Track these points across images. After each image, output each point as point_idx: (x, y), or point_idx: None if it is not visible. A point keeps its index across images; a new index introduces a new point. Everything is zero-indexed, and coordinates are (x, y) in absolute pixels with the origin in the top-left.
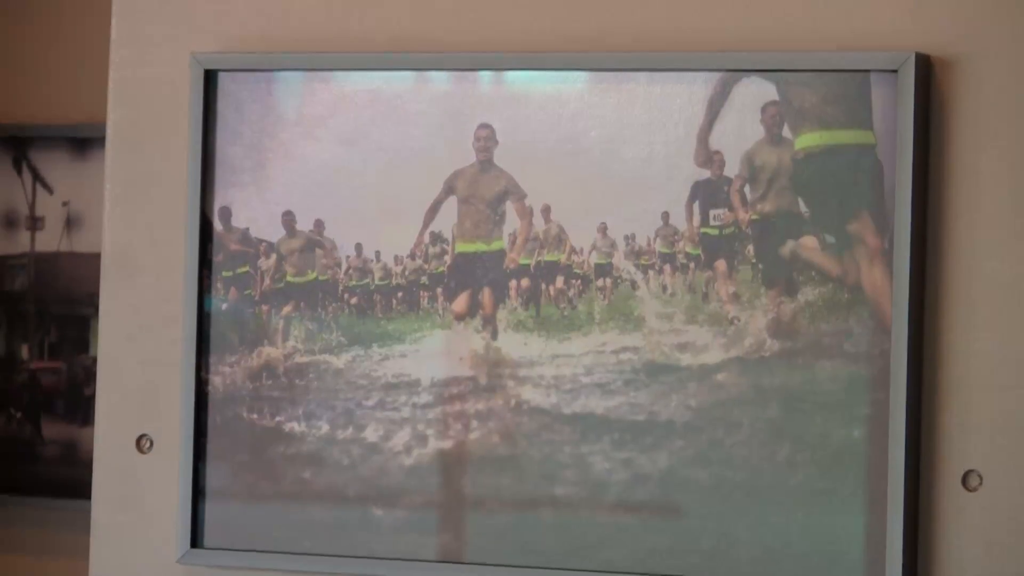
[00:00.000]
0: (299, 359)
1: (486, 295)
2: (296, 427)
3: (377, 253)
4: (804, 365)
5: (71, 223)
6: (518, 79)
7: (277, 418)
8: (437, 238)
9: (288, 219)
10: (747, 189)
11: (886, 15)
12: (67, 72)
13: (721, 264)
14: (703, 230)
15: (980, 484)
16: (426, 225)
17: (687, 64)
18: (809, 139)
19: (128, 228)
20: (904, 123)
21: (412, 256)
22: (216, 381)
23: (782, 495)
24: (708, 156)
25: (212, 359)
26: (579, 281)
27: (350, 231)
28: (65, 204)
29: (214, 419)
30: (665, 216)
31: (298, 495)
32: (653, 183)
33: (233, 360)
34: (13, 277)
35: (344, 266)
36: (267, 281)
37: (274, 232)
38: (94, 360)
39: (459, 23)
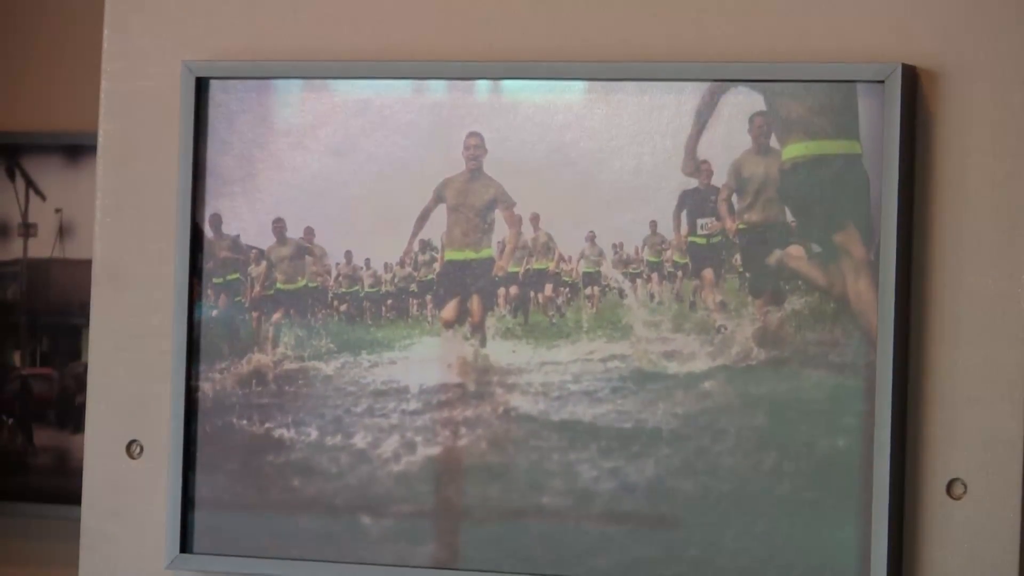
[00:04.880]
0: (289, 366)
1: (475, 303)
2: (285, 434)
3: (367, 260)
4: (790, 374)
5: (64, 230)
6: (508, 89)
7: (267, 425)
8: (427, 246)
9: (279, 226)
10: (734, 199)
11: (873, 27)
12: (60, 80)
13: (708, 273)
14: (691, 239)
15: (965, 493)
16: (415, 233)
17: (676, 74)
18: (796, 149)
19: (119, 236)
20: (890, 134)
21: (401, 264)
22: (206, 388)
23: (768, 504)
24: (696, 166)
25: (202, 366)
26: (567, 289)
27: (340, 239)
28: (58, 211)
29: (204, 426)
30: (653, 225)
31: (287, 502)
32: (641, 192)
33: (223, 367)
34: (6, 284)
35: (334, 273)
36: (257, 288)
37: (264, 239)
38: (86, 368)
39: (449, 33)
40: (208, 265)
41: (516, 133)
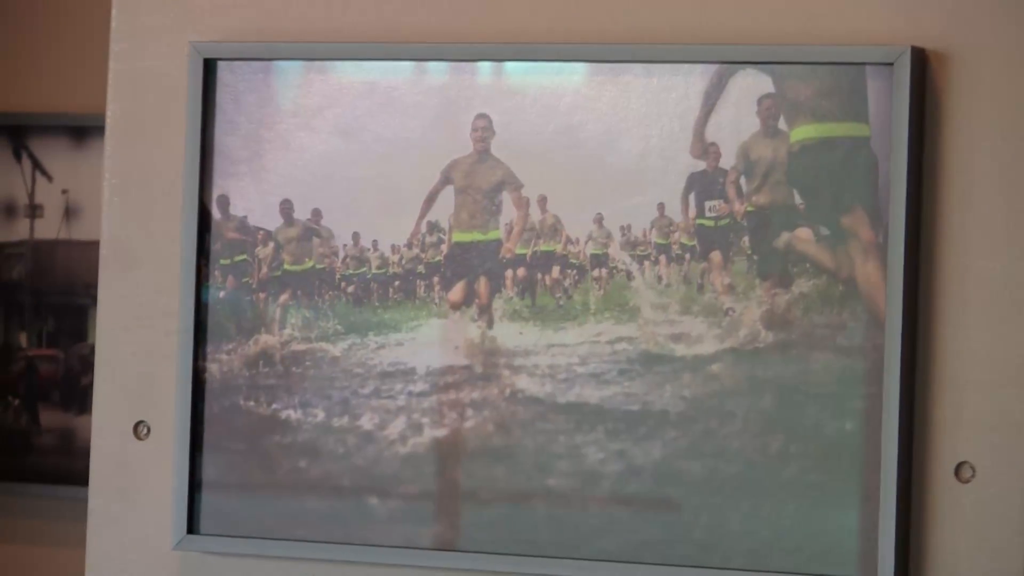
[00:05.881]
0: (296, 347)
1: (482, 284)
2: (292, 415)
3: (374, 242)
4: (798, 357)
5: (70, 211)
6: (515, 70)
7: (273, 406)
8: (434, 227)
9: (286, 208)
10: (742, 181)
11: (882, 9)
12: (67, 61)
13: (716, 255)
14: (699, 221)
15: (973, 476)
16: (423, 215)
17: (684, 56)
18: (805, 132)
19: (126, 217)
20: (899, 117)
21: (409, 245)
22: (213, 369)
23: (775, 487)
24: (704, 148)
25: (209, 347)
26: (575, 271)
27: (347, 220)
28: (64, 192)
29: (211, 407)
30: (661, 207)
31: (294, 483)
32: (649, 174)
33: (230, 348)
34: (12, 265)
35: (341, 255)
36: (264, 269)
37: (272, 221)
38: (92, 348)
39: (457, 14)
40: (215, 246)
41: (524, 115)
